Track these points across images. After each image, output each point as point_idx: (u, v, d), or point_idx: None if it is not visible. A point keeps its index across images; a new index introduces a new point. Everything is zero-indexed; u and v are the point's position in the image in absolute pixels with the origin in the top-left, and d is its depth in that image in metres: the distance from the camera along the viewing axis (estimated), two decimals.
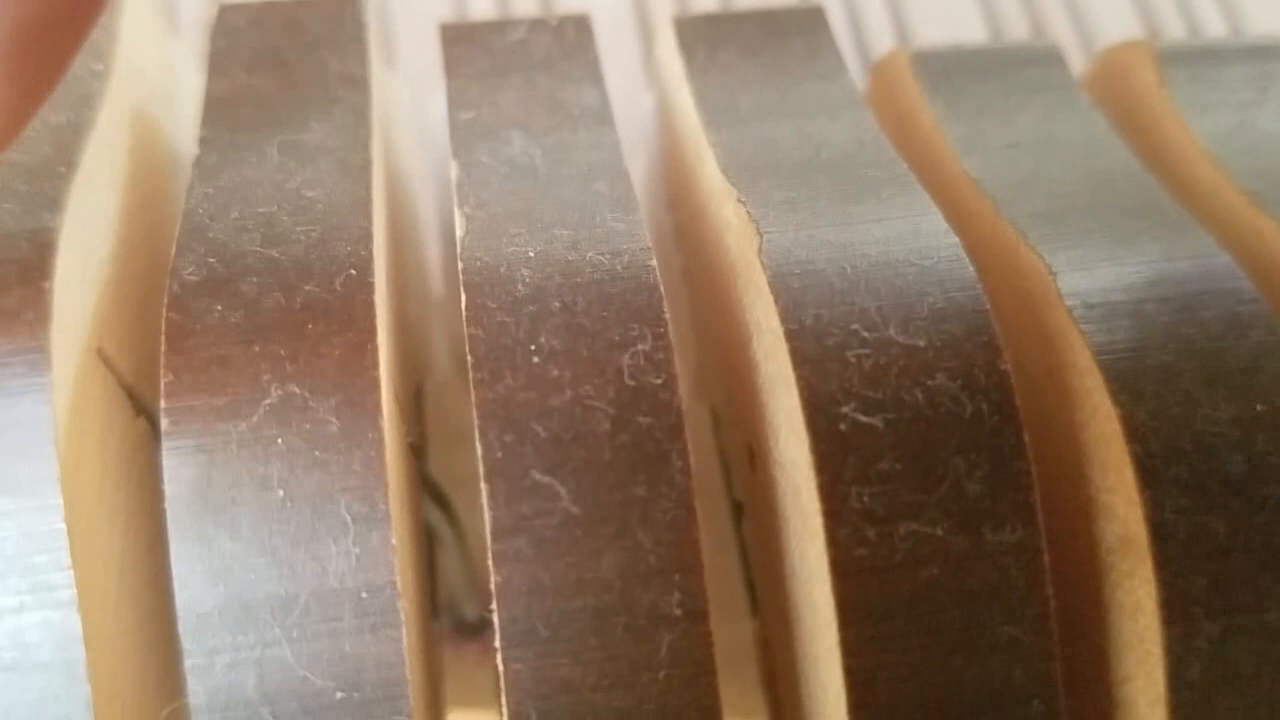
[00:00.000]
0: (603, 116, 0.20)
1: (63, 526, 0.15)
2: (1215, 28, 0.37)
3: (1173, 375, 0.16)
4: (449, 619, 0.22)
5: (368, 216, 0.17)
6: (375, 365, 0.16)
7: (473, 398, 0.15)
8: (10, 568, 0.15)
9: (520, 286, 0.16)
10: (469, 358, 0.15)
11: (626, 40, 0.36)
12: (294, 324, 0.16)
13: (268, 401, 0.15)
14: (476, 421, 0.15)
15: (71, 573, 0.15)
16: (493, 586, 0.15)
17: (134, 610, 0.17)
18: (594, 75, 0.21)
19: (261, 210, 0.17)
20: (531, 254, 0.16)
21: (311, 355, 0.16)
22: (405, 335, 0.22)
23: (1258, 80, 0.22)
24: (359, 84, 0.20)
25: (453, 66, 0.21)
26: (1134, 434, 0.16)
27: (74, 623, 0.15)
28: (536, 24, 0.21)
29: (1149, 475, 0.15)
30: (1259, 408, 0.16)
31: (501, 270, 0.16)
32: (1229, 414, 0.16)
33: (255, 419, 0.15)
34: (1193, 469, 0.15)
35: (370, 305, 0.16)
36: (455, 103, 0.20)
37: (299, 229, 0.17)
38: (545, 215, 0.17)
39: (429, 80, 0.22)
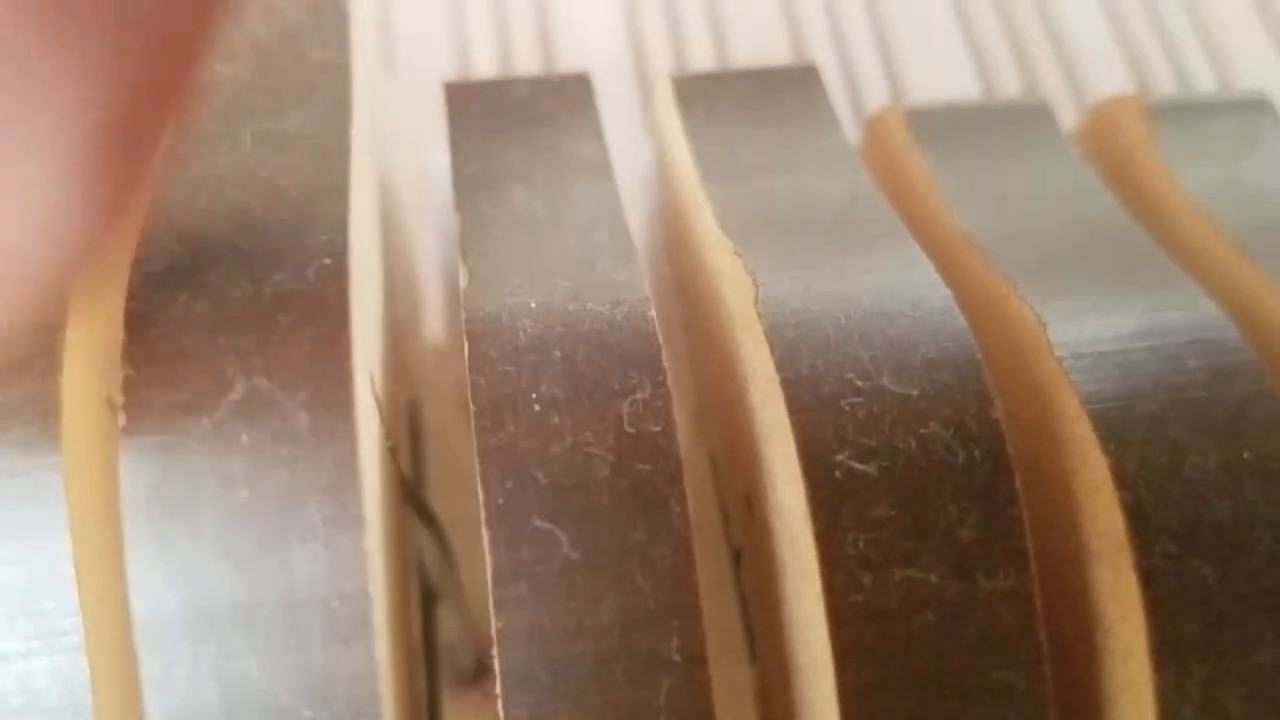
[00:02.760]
0: (603, 169, 0.20)
1: (72, 573, 0.15)
2: (1205, 82, 0.38)
3: (1161, 424, 0.16)
4: (448, 667, 0.23)
5: (344, 205, 0.17)
6: (348, 357, 0.15)
7: (474, 445, 0.15)
8: (19, 612, 0.15)
9: (522, 336, 0.16)
10: (471, 405, 0.16)
11: (626, 95, 0.36)
12: (262, 314, 0.15)
13: (233, 396, 0.15)
14: (478, 468, 0.15)
15: (79, 619, 0.15)
16: (493, 632, 0.15)
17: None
18: (594, 130, 0.21)
19: (232, 199, 0.17)
20: (533, 304, 0.17)
21: (280, 347, 0.15)
22: (392, 341, 0.21)
23: (1245, 134, 0.23)
24: (339, 72, 0.19)
25: (456, 122, 0.21)
26: (1123, 481, 0.16)
27: (81, 667, 0.15)
28: (538, 82, 0.22)
29: (1138, 522, 0.16)
30: (1246, 455, 0.16)
31: (504, 320, 0.17)
32: (1217, 461, 0.16)
33: (219, 414, 0.15)
34: (1181, 516, 0.16)
35: (345, 295, 0.15)
36: (458, 157, 0.20)
37: (271, 218, 0.16)
38: (546, 266, 0.18)
39: (433, 136, 0.22)
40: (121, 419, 0.15)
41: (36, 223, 0.11)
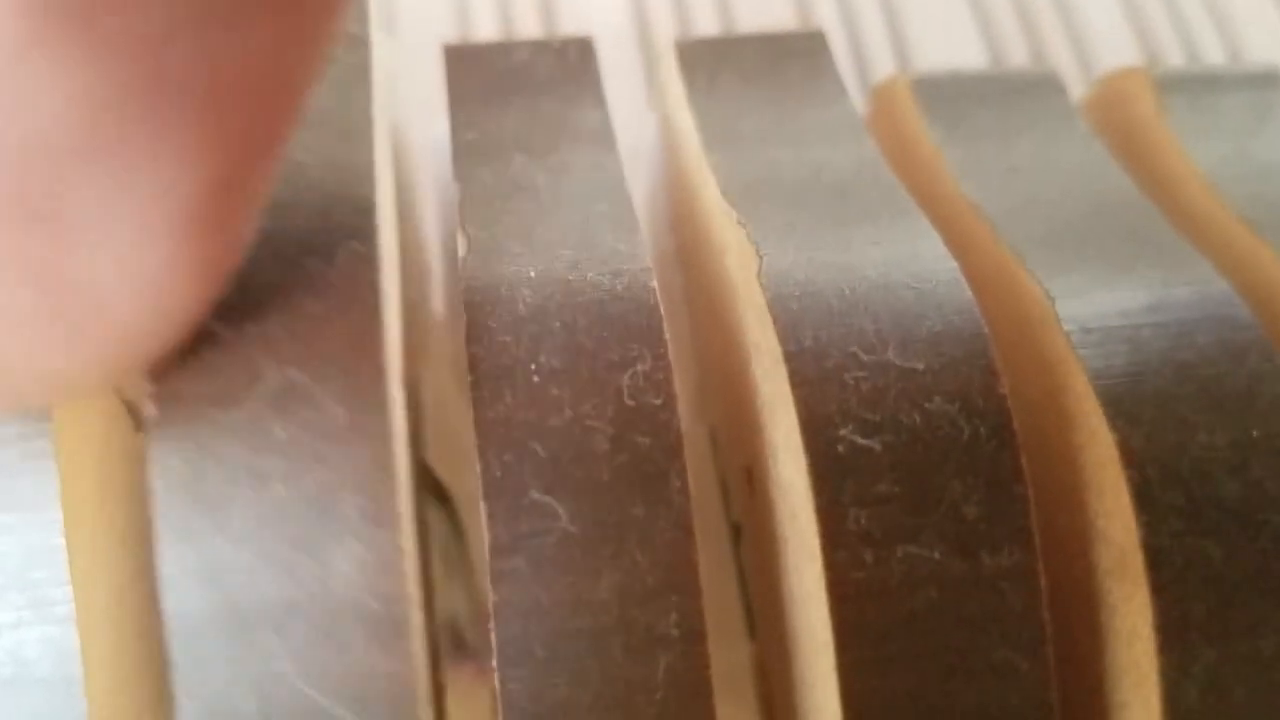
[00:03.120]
0: (605, 138, 0.20)
1: (62, 542, 0.15)
2: (1214, 55, 0.37)
3: (1169, 401, 0.16)
4: (446, 637, 0.22)
5: (371, 184, 0.16)
6: (382, 349, 0.15)
7: (472, 416, 0.15)
8: (10, 583, 0.15)
9: (521, 306, 0.16)
10: (469, 377, 0.16)
11: (629, 62, 0.36)
12: (292, 301, 0.15)
13: (263, 386, 0.14)
14: (476, 440, 0.15)
15: (70, 588, 0.15)
16: (490, 606, 0.15)
17: (133, 625, 0.17)
18: (596, 97, 0.21)
19: None
20: (532, 274, 0.17)
21: (312, 337, 0.14)
22: (406, 318, 0.21)
23: (1256, 108, 0.23)
24: (357, 43, 0.19)
25: (455, 87, 0.21)
26: (1130, 459, 0.16)
27: (72, 638, 0.14)
28: (539, 46, 0.21)
29: (1145, 500, 0.15)
30: (1255, 433, 0.16)
31: (502, 290, 0.16)
32: (1225, 439, 0.16)
33: (251, 405, 0.14)
34: (1189, 494, 0.16)
35: (376, 283, 0.15)
36: (458, 123, 0.20)
37: (296, 197, 0.16)
38: (547, 236, 0.17)
39: (432, 100, 0.22)
40: (151, 409, 0.14)
41: (140, 293, 0.12)
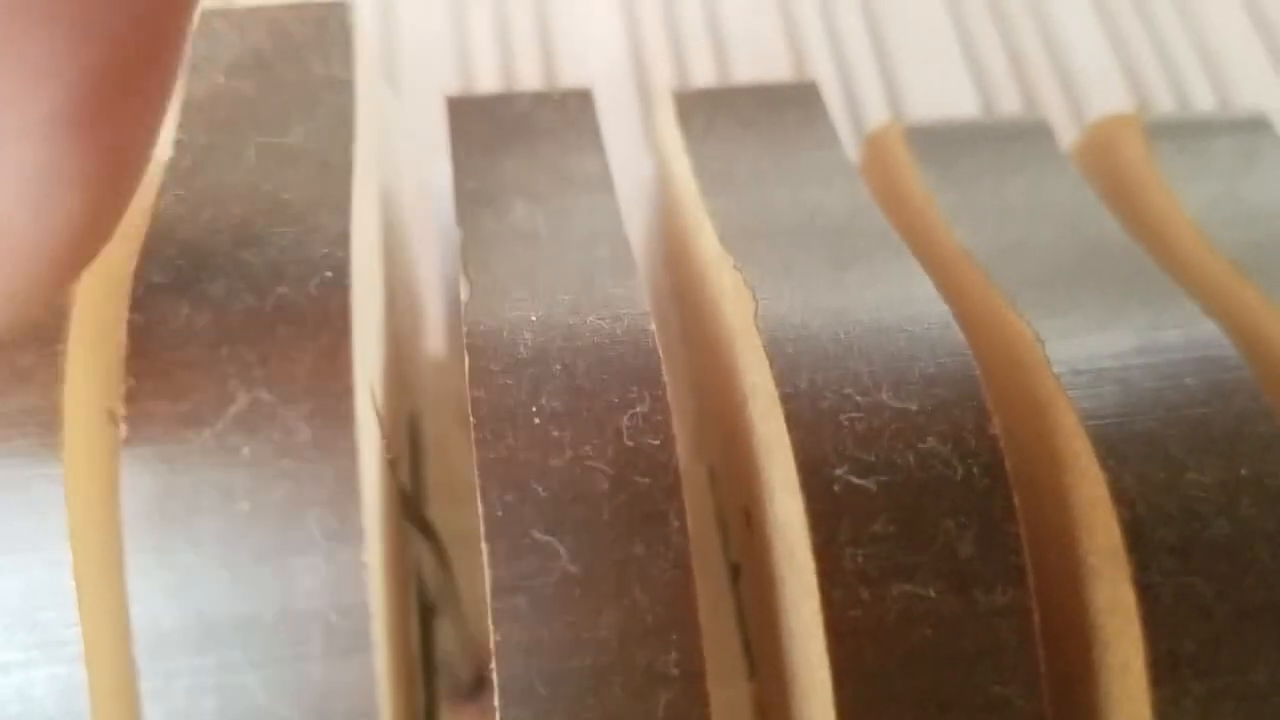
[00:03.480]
0: (604, 184, 0.20)
1: (71, 583, 0.15)
2: (1204, 101, 0.38)
3: (1158, 440, 0.16)
4: (446, 682, 0.23)
5: (346, 218, 0.17)
6: (350, 371, 0.15)
7: (474, 457, 0.16)
8: (18, 623, 0.15)
9: (522, 349, 0.16)
10: (471, 419, 0.16)
11: (627, 109, 0.36)
12: (264, 327, 0.15)
13: (234, 408, 0.15)
14: (478, 481, 0.15)
15: (79, 629, 0.15)
16: (492, 645, 0.15)
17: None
18: (595, 145, 0.21)
19: (235, 212, 0.17)
20: (533, 318, 0.17)
21: (282, 359, 0.15)
22: (393, 354, 0.21)
23: (1244, 152, 0.23)
24: (343, 87, 0.19)
25: (458, 136, 0.21)
26: (1120, 498, 0.16)
27: (80, 677, 0.15)
28: (540, 97, 0.22)
29: (1136, 538, 0.16)
30: (1243, 472, 0.16)
31: (504, 334, 0.17)
32: (1214, 478, 0.16)
33: (220, 426, 0.15)
34: (1179, 532, 0.16)
35: (346, 308, 0.16)
36: (460, 171, 0.20)
37: (274, 231, 0.16)
38: (547, 280, 0.18)
39: (435, 150, 0.22)
40: (123, 430, 0.15)
41: (24, 195, 0.11)
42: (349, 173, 0.18)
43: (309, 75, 0.20)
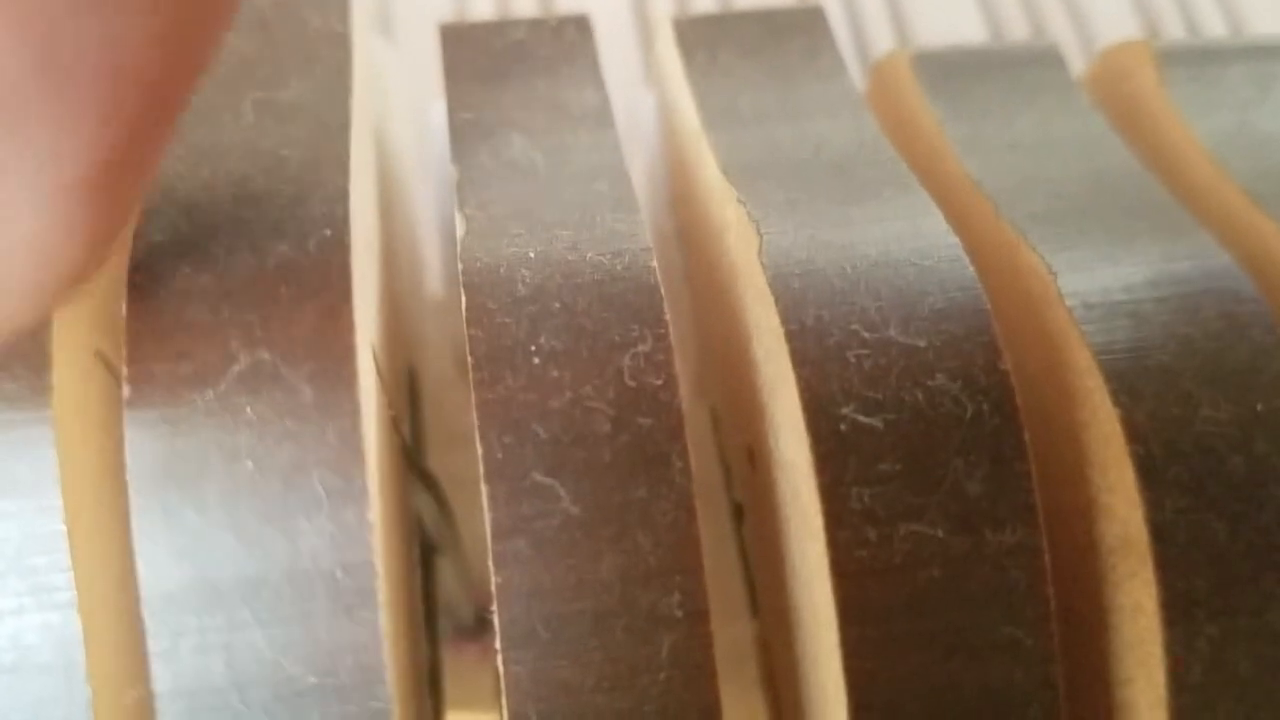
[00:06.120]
0: (603, 117, 0.20)
1: (63, 528, 0.15)
2: (1215, 28, 0.37)
3: (1172, 375, 0.16)
4: (447, 621, 0.22)
5: (345, 175, 0.17)
6: (351, 330, 0.15)
7: (473, 399, 0.15)
8: (10, 569, 0.15)
9: (520, 287, 0.16)
10: (469, 359, 0.15)
11: (626, 41, 0.36)
12: (265, 287, 0.15)
13: (236, 368, 0.15)
14: (477, 423, 0.15)
15: (71, 575, 0.15)
16: (493, 588, 0.15)
17: (134, 611, 0.17)
18: (594, 76, 0.21)
19: (234, 170, 0.17)
20: (532, 255, 0.16)
21: (284, 320, 0.15)
22: (392, 308, 0.21)
23: (1257, 80, 0.22)
24: (340, 41, 0.19)
25: (452, 67, 0.21)
26: (1134, 434, 0.16)
27: (74, 625, 0.15)
28: (536, 24, 0.21)
29: (1149, 476, 0.15)
30: (1259, 407, 0.16)
31: (502, 271, 0.16)
32: (1229, 414, 0.16)
33: (223, 387, 0.15)
34: (1193, 469, 0.15)
35: (346, 267, 0.16)
36: (455, 104, 0.20)
37: (273, 189, 0.16)
38: (546, 216, 0.17)
39: (429, 81, 0.22)
40: (127, 391, 0.15)
41: (32, 248, 0.12)
42: (347, 129, 0.18)
43: (305, 30, 0.19)
